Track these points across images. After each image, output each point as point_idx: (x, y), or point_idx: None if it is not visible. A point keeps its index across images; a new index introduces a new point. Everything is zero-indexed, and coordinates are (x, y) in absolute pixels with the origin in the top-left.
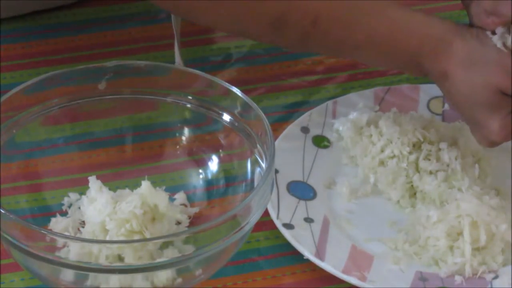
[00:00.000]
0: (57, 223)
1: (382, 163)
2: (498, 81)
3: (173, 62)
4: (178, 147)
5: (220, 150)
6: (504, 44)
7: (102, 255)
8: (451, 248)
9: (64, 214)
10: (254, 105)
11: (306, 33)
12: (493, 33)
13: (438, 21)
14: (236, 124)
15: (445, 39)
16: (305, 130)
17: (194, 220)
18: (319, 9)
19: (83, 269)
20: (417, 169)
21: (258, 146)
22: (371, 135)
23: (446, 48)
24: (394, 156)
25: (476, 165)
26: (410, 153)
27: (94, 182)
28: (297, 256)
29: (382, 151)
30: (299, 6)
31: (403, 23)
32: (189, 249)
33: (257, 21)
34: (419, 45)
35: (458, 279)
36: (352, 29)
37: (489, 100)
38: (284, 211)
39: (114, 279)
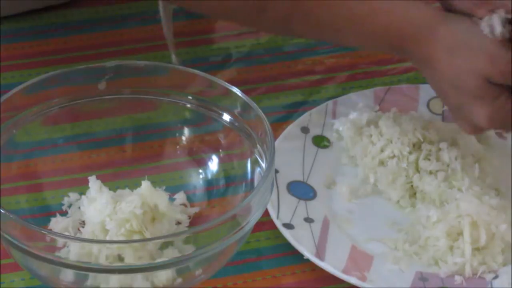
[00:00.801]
0: (57, 223)
1: (382, 163)
2: (485, 68)
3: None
4: (178, 147)
5: (220, 150)
6: (492, 32)
7: (102, 255)
8: (451, 248)
9: (64, 214)
10: (254, 105)
11: (289, 15)
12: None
13: (423, 5)
14: (236, 124)
15: (429, 23)
16: (305, 130)
17: (194, 220)
18: None
19: (83, 269)
20: (417, 169)
21: (258, 146)
22: (371, 135)
23: (430, 33)
24: (394, 156)
25: (476, 165)
26: (410, 153)
27: (94, 182)
28: (297, 256)
29: (382, 151)
30: None
31: (385, 5)
32: (189, 249)
33: (243, 5)
34: (401, 28)
35: (458, 279)
36: (333, 10)
37: (475, 87)
38: (284, 211)
39: (114, 279)
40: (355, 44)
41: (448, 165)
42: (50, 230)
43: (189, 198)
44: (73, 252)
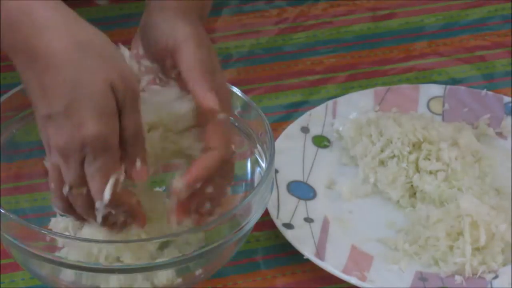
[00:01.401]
0: (57, 223)
1: (382, 163)
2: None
3: None
4: None
5: None
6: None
7: (102, 255)
8: (451, 248)
9: (64, 214)
10: (254, 105)
11: None
12: None
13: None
14: (236, 124)
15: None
16: (305, 130)
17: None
18: None
19: (83, 269)
20: (417, 169)
21: (258, 146)
22: (371, 135)
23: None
24: (394, 156)
25: (476, 165)
26: (410, 153)
27: None
28: (297, 256)
29: (382, 151)
30: None
31: None
32: (189, 249)
33: None
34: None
35: (458, 279)
36: None
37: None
38: (284, 211)
39: (114, 279)
40: None
41: (448, 165)
42: (50, 230)
43: None
44: (73, 252)
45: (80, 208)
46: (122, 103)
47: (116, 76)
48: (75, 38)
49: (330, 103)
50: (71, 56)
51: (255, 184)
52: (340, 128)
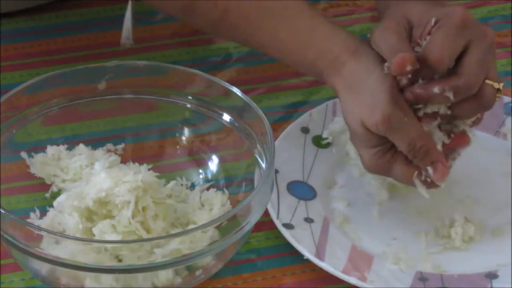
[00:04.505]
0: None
1: None
2: (362, 116)
3: (173, 62)
4: (178, 147)
5: (220, 150)
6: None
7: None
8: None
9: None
10: (254, 105)
11: (215, 24)
12: None
13: (340, 36)
14: (236, 124)
15: (339, 58)
16: (305, 130)
17: None
18: (228, 3)
19: (82, 269)
20: None
21: (258, 146)
22: None
23: (338, 67)
24: None
25: None
26: None
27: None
28: (297, 256)
29: None
30: None
31: (304, 34)
32: (189, 249)
33: (171, 2)
34: (315, 58)
35: (458, 279)
36: (257, 29)
37: (357, 131)
38: (284, 211)
39: (114, 279)
40: (281, 60)
41: None
42: (50, 230)
43: None
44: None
45: None
46: None
47: (366, 116)
48: (345, 81)
49: (330, 103)
50: (343, 99)
51: (255, 184)
52: (340, 128)
